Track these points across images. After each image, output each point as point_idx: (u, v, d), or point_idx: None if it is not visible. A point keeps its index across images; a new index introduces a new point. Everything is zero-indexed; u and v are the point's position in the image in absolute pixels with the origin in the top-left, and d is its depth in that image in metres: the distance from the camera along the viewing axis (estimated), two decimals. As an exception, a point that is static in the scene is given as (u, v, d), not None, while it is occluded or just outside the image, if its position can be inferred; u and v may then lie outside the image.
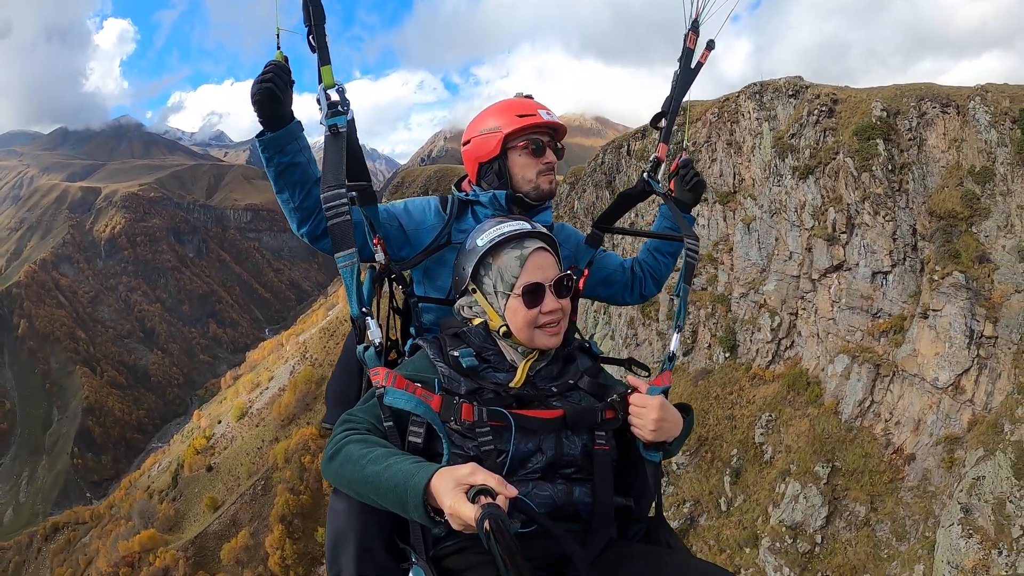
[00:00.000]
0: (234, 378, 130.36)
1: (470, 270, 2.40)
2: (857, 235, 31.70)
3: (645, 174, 3.24)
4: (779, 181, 35.66)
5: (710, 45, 3.25)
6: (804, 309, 34.86)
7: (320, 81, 2.40)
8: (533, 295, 2.30)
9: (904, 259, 30.86)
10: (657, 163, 3.23)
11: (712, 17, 3.16)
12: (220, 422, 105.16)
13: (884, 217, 30.73)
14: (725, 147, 39.59)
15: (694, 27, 3.18)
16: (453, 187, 3.09)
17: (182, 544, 76.29)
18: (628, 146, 48.18)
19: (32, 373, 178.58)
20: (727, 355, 37.70)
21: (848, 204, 31.95)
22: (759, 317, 36.81)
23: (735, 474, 33.61)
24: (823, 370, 33.08)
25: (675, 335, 2.77)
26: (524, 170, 2.87)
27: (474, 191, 2.95)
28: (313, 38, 2.36)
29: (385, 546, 2.21)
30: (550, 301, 2.31)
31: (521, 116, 2.84)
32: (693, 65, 3.25)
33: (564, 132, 2.98)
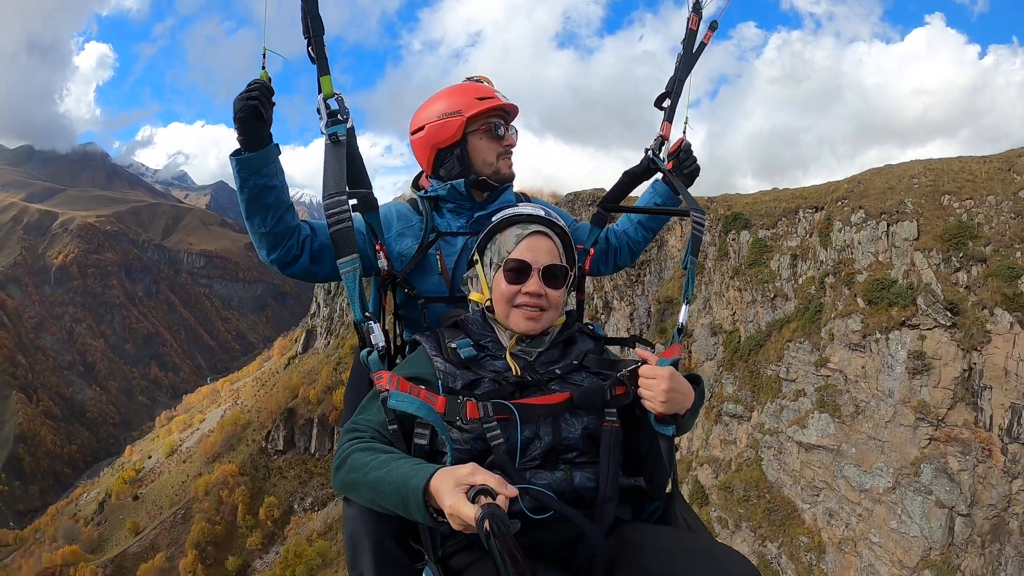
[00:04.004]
0: (168, 418, 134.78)
1: (479, 242, 2.59)
2: (611, 316, 46.63)
3: (649, 151, 3.32)
4: (569, 273, 51.76)
5: (713, 26, 3.38)
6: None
7: (320, 91, 2.46)
8: (517, 272, 2.41)
9: (641, 334, 45.75)
10: (661, 141, 3.33)
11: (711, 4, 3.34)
12: (150, 457, 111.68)
13: (625, 302, 45.73)
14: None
15: (696, 9, 3.31)
16: (412, 188, 3.22)
17: (101, 562, 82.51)
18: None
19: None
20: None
21: (606, 291, 46.91)
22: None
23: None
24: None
25: (684, 307, 2.86)
26: (485, 154, 2.98)
27: (432, 187, 3.04)
28: (312, 49, 2.43)
29: (399, 546, 2.34)
30: (533, 283, 2.40)
31: (481, 99, 2.93)
32: (696, 46, 3.35)
33: (516, 114, 3.11)
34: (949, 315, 33.45)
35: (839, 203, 40.54)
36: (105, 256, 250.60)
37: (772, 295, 41.33)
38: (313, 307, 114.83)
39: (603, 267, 3.65)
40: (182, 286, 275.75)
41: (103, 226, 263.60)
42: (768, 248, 41.99)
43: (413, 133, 3.04)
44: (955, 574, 31.74)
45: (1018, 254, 33.94)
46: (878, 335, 34.97)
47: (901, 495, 32.99)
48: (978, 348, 32.84)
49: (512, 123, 3.12)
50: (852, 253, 38.14)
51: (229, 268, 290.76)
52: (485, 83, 3.09)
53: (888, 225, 37.09)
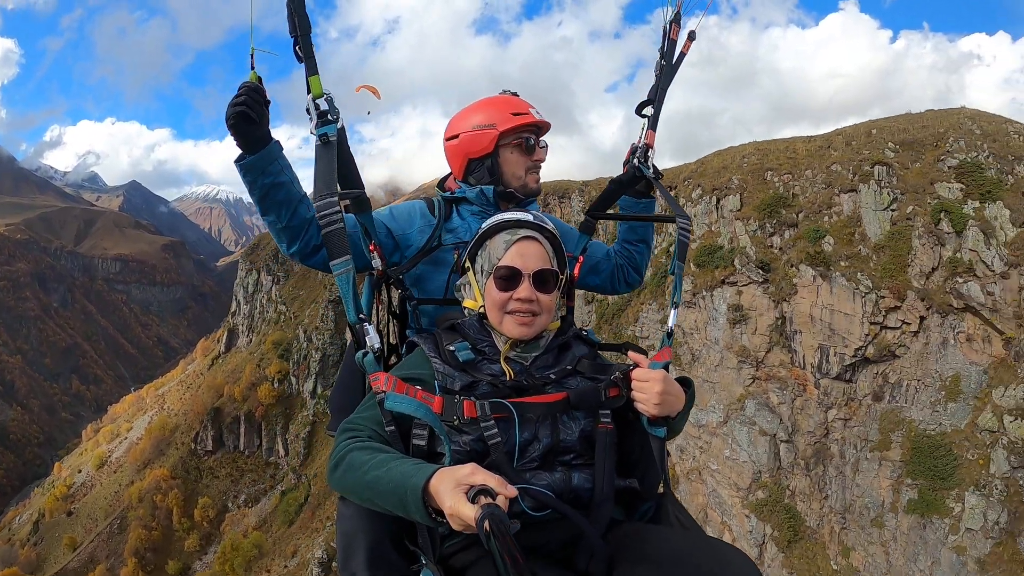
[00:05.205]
0: (95, 430, 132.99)
1: (469, 249, 2.64)
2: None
3: (635, 160, 3.44)
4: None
5: (691, 36, 3.53)
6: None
7: (309, 91, 2.54)
8: (507, 279, 2.46)
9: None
10: (646, 149, 3.44)
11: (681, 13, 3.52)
12: (80, 471, 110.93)
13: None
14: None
15: (676, 19, 3.47)
16: (437, 188, 3.35)
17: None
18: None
19: None
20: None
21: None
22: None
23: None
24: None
25: (672, 311, 2.92)
26: (515, 167, 3.13)
27: (461, 188, 3.18)
28: (300, 48, 2.51)
29: (395, 547, 2.36)
30: (524, 289, 2.45)
31: (516, 115, 3.10)
32: (676, 56, 3.51)
33: (548, 129, 3.26)
34: (761, 272, 40.02)
35: (685, 182, 46.94)
36: (17, 267, 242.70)
37: (631, 266, 48.31)
38: (233, 306, 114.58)
39: (618, 286, 3.77)
40: (98, 294, 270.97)
41: (13, 235, 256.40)
42: (629, 225, 48.56)
43: (448, 139, 3.21)
44: (784, 493, 38.28)
45: (825, 218, 40.22)
46: (704, 293, 41.89)
47: (731, 427, 39.88)
48: (787, 299, 39.36)
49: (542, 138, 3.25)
50: (692, 225, 45.05)
51: (146, 272, 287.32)
52: (518, 97, 3.28)
53: (718, 199, 43.83)
